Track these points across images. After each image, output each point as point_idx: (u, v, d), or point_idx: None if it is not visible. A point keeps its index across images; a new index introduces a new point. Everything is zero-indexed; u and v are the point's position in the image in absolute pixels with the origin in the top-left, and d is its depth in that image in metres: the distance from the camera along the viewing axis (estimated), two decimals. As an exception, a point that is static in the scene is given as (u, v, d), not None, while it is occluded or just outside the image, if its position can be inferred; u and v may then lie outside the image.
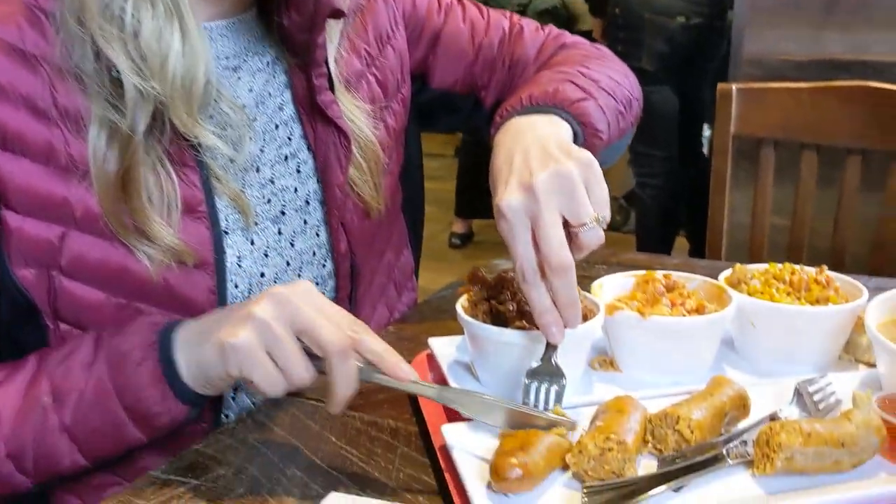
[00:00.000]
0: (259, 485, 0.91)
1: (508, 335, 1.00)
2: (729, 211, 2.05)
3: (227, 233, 1.04)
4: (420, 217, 1.44)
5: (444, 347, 1.14)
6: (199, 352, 0.88)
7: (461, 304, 1.06)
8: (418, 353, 1.17)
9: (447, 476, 0.89)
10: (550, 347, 0.96)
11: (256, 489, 0.90)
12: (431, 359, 1.14)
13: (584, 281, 1.18)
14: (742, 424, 0.94)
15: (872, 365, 1.11)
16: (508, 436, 0.86)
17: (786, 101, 1.95)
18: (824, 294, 1.10)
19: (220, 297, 1.03)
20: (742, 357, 1.13)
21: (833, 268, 1.17)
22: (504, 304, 1.04)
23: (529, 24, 1.36)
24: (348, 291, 1.19)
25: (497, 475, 0.81)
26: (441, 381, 1.09)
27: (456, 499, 0.85)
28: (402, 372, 0.88)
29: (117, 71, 0.92)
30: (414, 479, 0.92)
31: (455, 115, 1.38)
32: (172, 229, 0.97)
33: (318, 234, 1.16)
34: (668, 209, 4.06)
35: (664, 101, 3.82)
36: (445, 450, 0.91)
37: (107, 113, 0.92)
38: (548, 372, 0.95)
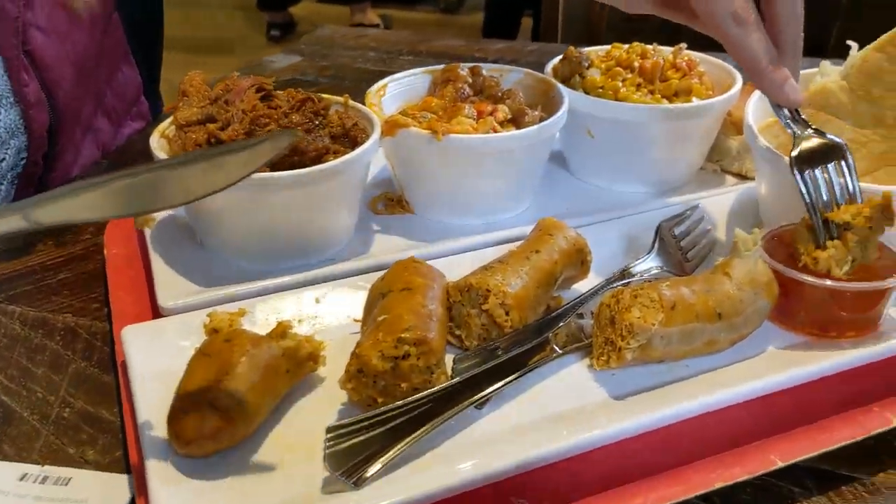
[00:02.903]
0: None
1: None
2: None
3: None
4: (156, 13, 1.01)
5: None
6: None
7: (158, 135, 0.69)
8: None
9: (126, 416, 0.56)
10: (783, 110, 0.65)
11: None
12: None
13: (375, 77, 0.83)
14: (578, 288, 0.65)
15: (743, 176, 0.84)
16: (200, 356, 0.53)
17: None
18: (686, 84, 0.80)
19: None
20: (576, 177, 0.84)
21: (694, 45, 0.86)
22: (227, 130, 0.68)
23: None
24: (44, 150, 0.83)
25: (179, 437, 0.49)
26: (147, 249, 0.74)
27: (132, 450, 0.53)
28: None
29: None
30: (87, 420, 0.58)
31: None
32: None
33: None
34: None
35: None
36: (126, 369, 0.58)
37: None
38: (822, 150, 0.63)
